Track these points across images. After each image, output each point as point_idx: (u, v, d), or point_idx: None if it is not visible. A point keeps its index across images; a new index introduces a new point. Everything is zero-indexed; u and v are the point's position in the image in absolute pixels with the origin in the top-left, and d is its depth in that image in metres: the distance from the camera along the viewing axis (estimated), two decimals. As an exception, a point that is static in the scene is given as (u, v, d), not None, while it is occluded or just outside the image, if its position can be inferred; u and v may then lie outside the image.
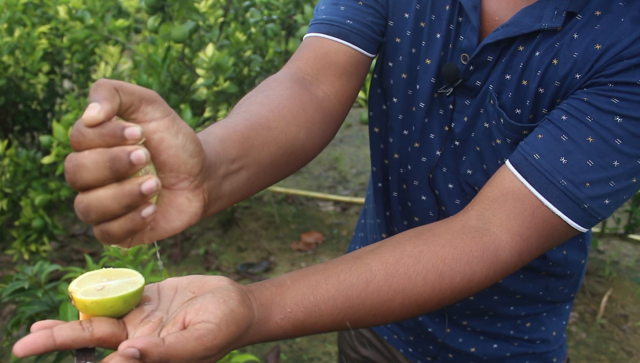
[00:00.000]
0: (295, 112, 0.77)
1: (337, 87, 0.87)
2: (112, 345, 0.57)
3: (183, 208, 0.57)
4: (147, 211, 0.52)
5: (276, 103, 0.77)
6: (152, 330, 0.58)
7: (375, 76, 0.98)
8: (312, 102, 0.82)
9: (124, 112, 0.51)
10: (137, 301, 0.60)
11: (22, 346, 0.52)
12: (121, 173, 0.49)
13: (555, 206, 0.73)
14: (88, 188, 0.50)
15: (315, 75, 0.87)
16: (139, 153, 0.49)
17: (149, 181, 0.50)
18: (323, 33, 0.88)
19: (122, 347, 0.51)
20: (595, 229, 3.01)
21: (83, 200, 0.50)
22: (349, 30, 0.87)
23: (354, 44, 0.88)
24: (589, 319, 2.71)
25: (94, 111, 0.48)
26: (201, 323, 0.56)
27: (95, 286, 0.58)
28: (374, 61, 0.97)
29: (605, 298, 2.75)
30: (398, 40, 0.91)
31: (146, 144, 0.53)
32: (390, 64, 0.93)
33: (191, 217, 0.58)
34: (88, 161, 0.48)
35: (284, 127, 0.75)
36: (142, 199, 0.50)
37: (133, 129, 0.49)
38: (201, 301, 0.58)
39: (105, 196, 0.49)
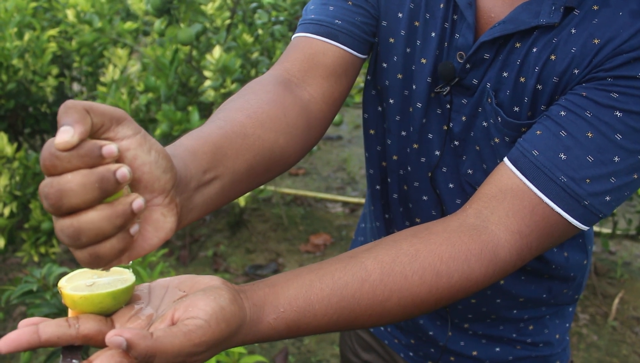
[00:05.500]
0: (274, 117, 0.76)
1: (324, 89, 0.86)
2: (98, 343, 0.56)
3: (159, 224, 0.57)
4: (134, 228, 0.52)
5: (255, 108, 0.75)
6: (140, 327, 0.57)
7: (368, 77, 0.96)
8: (296, 105, 0.80)
9: (95, 132, 0.51)
10: (126, 298, 0.59)
11: (6, 342, 0.52)
12: (109, 192, 0.49)
13: (555, 203, 0.72)
14: (73, 211, 0.49)
15: (302, 76, 0.85)
16: (123, 171, 0.49)
17: (138, 200, 0.51)
18: (311, 33, 0.87)
19: (109, 335, 0.51)
20: (606, 230, 2.98)
21: (73, 224, 0.49)
22: (338, 31, 0.86)
23: (342, 44, 0.86)
24: (600, 321, 2.68)
25: (67, 135, 0.48)
26: (190, 319, 0.55)
27: (85, 283, 0.58)
28: (367, 63, 0.96)
29: (616, 300, 2.71)
30: (392, 40, 0.89)
31: (119, 162, 0.53)
32: (384, 65, 0.91)
33: (167, 232, 0.58)
34: (74, 185, 0.48)
35: (261, 134, 0.73)
36: (133, 218, 0.51)
37: (110, 147, 0.49)
38: (191, 299, 0.58)
39: (99, 218, 0.49)
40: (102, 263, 0.52)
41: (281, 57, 0.89)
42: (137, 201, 0.51)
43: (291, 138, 0.78)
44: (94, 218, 0.49)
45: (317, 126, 0.85)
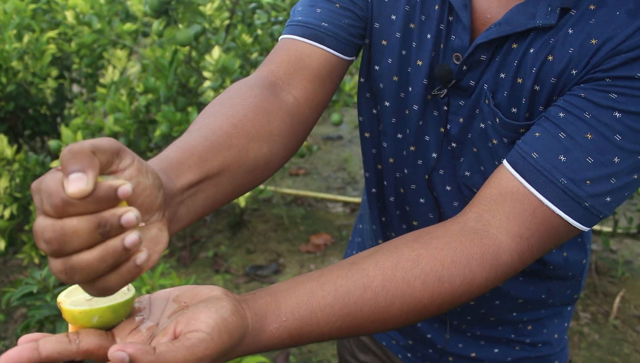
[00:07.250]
0: (259, 126, 0.76)
1: (308, 92, 0.86)
2: (99, 358, 0.56)
3: (158, 239, 0.58)
4: (141, 258, 0.52)
5: (241, 115, 0.76)
6: (142, 341, 0.57)
7: (362, 80, 0.96)
8: (280, 110, 0.81)
9: (100, 169, 0.50)
10: (127, 312, 0.59)
11: (6, 359, 0.52)
12: (112, 236, 0.49)
13: (555, 205, 0.72)
14: (73, 253, 0.49)
15: (288, 79, 0.85)
16: (129, 216, 0.48)
17: (131, 236, 0.50)
18: (297, 35, 0.87)
19: (112, 350, 0.50)
20: (607, 228, 2.97)
21: (70, 262, 0.48)
22: (324, 33, 0.86)
23: (328, 47, 0.86)
24: (601, 320, 2.68)
25: (81, 183, 0.46)
26: (192, 333, 0.55)
27: (85, 297, 0.57)
28: (360, 67, 0.96)
29: (618, 299, 2.71)
30: (384, 42, 0.89)
31: None
32: (377, 67, 0.91)
33: (164, 245, 0.59)
34: (78, 230, 0.47)
35: (246, 144, 0.74)
36: (126, 254, 0.50)
37: (125, 188, 0.49)
38: (192, 311, 0.57)
39: (91, 257, 0.49)
40: (111, 292, 0.52)
41: (267, 57, 0.88)
42: (130, 237, 0.50)
43: (275, 146, 0.79)
44: (89, 256, 0.49)
45: (299, 131, 0.85)
